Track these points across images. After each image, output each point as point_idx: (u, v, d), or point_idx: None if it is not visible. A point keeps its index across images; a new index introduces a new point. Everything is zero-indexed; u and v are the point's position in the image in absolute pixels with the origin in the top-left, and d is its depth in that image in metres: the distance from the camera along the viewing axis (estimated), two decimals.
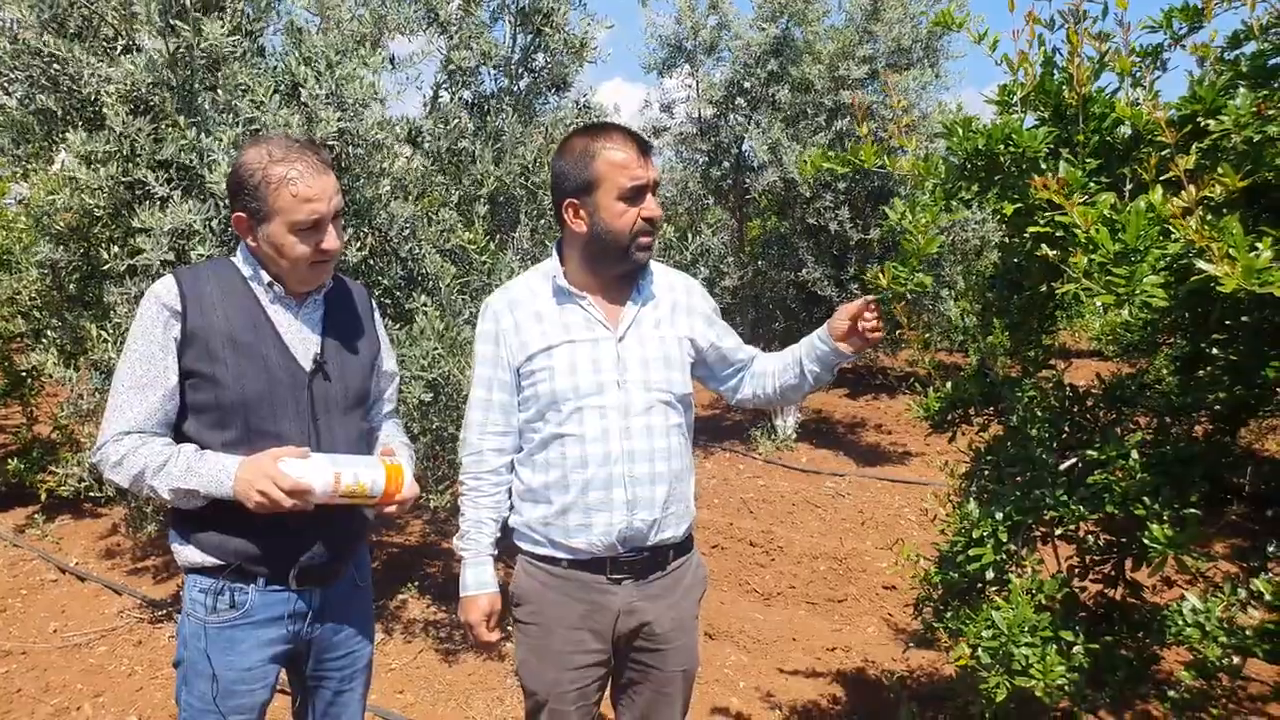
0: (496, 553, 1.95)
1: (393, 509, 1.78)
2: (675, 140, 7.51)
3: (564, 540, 1.85)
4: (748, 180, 6.95)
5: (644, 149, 1.81)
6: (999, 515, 1.93)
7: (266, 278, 1.76)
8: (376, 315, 2.01)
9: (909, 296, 1.87)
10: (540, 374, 1.84)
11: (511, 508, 1.96)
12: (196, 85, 3.06)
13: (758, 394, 2.06)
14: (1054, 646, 1.75)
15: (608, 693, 2.03)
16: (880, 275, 1.85)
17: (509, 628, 1.98)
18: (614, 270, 1.86)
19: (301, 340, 1.79)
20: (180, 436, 1.73)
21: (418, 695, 3.40)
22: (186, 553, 1.74)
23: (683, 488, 1.91)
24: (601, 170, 1.77)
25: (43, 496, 4.90)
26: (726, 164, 7.24)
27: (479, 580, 1.92)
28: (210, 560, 1.73)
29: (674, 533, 1.90)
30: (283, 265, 1.73)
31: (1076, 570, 2.05)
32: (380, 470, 1.72)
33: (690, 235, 4.75)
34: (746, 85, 6.93)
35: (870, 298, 1.86)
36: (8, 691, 3.39)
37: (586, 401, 1.81)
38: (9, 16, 3.10)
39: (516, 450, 1.94)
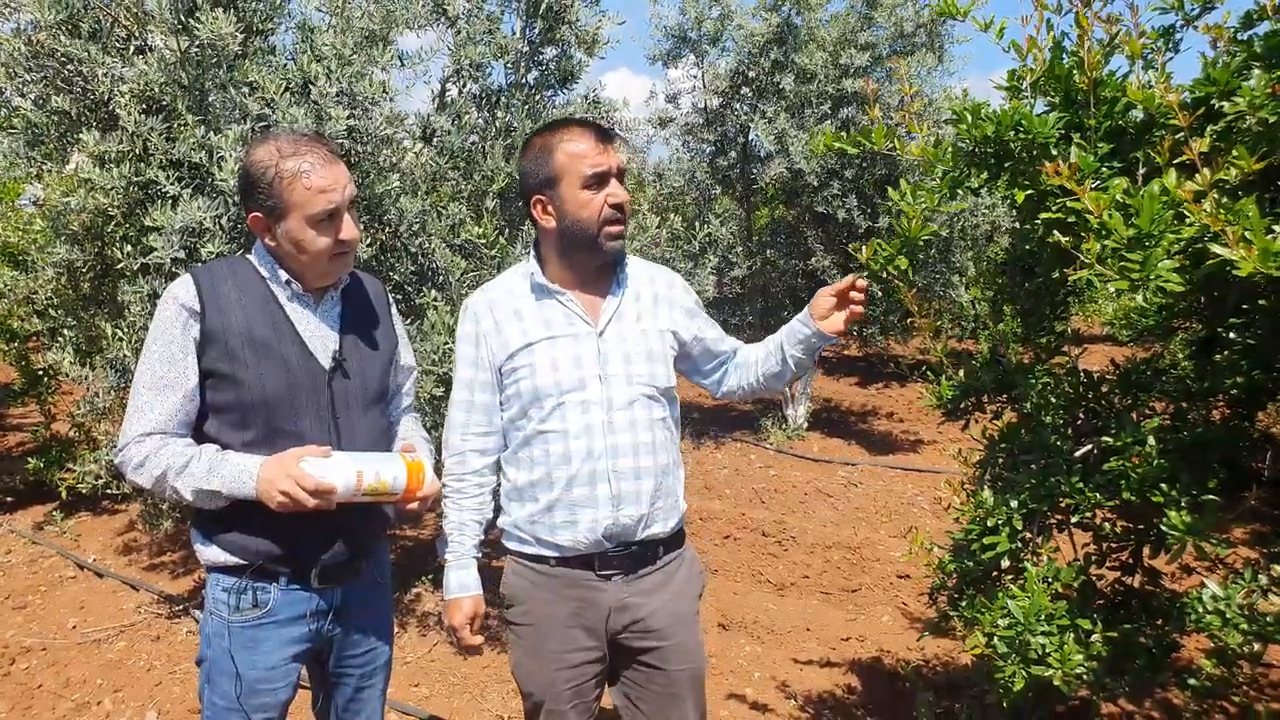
0: (480, 555, 1.94)
1: (414, 506, 1.76)
2: (682, 130, 7.48)
3: (550, 538, 1.84)
4: (755, 170, 6.93)
5: (604, 137, 1.81)
6: (1014, 503, 1.92)
7: (284, 276, 1.76)
8: (393, 309, 2.01)
9: (885, 275, 1.87)
10: (522, 371, 1.83)
11: (499, 508, 1.94)
12: (208, 84, 3.07)
13: (742, 385, 2.05)
14: (1071, 635, 1.75)
15: (608, 693, 2.00)
16: (861, 250, 1.86)
17: (507, 630, 1.97)
18: (589, 263, 1.86)
19: (320, 338, 1.79)
20: (201, 437, 1.73)
21: (433, 688, 3.42)
22: (209, 552, 1.75)
23: (670, 482, 1.90)
24: (561, 162, 1.78)
25: (62, 494, 4.95)
26: (733, 154, 7.22)
27: (462, 583, 1.90)
28: (232, 559, 1.73)
29: (662, 528, 1.88)
30: (303, 261, 1.73)
31: (1093, 558, 2.04)
32: (401, 467, 1.71)
33: (698, 225, 4.75)
34: (751, 74, 6.90)
35: (854, 276, 1.85)
36: (29, 687, 3.43)
37: (568, 397, 1.81)
38: (24, 19, 3.11)
39: (500, 450, 1.93)
